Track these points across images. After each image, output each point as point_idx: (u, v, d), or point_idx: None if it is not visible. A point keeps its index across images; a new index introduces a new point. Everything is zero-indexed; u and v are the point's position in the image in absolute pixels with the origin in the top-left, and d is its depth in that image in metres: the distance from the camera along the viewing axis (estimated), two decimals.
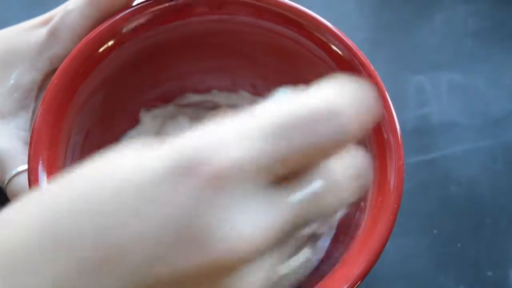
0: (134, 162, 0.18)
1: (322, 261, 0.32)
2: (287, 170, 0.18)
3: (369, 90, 0.19)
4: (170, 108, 0.37)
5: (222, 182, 0.18)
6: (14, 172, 0.34)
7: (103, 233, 0.18)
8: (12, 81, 0.34)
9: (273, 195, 0.19)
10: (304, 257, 0.20)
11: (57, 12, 0.33)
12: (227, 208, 0.18)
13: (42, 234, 0.19)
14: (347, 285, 0.27)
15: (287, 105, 0.18)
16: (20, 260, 0.19)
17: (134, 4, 0.32)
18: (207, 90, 0.38)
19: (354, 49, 0.30)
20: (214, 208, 0.18)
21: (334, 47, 0.31)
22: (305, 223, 0.19)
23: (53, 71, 0.31)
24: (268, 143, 0.18)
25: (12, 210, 0.20)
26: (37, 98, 0.35)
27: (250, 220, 0.18)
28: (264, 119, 0.18)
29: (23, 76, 0.34)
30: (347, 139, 0.19)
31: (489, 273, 0.39)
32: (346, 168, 0.19)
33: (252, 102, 0.20)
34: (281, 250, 0.20)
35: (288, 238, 0.19)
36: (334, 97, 0.18)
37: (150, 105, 0.37)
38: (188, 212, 0.18)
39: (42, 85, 0.35)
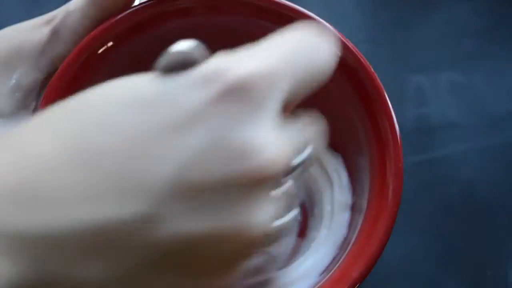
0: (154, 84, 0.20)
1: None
2: (291, 95, 0.20)
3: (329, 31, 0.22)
4: None
5: (243, 90, 0.18)
6: None
7: (134, 146, 0.18)
8: (13, 81, 0.34)
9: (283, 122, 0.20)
10: (294, 214, 0.22)
11: (59, 12, 0.33)
12: (255, 118, 0.18)
13: (66, 152, 0.18)
14: (345, 287, 0.27)
15: (282, 39, 0.21)
16: (44, 177, 0.18)
17: (135, 4, 0.32)
18: None
19: (353, 49, 0.30)
20: (242, 119, 0.18)
21: None
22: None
23: (55, 71, 0.32)
24: (280, 60, 0.20)
25: (17, 131, 0.19)
26: (38, 98, 0.35)
27: (278, 135, 0.19)
28: (271, 46, 0.20)
29: (25, 76, 0.34)
30: (331, 65, 0.21)
31: (489, 273, 0.39)
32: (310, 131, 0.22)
33: None
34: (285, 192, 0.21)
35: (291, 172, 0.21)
36: (306, 33, 0.21)
37: None
38: (218, 122, 0.18)
39: (43, 85, 0.35)
